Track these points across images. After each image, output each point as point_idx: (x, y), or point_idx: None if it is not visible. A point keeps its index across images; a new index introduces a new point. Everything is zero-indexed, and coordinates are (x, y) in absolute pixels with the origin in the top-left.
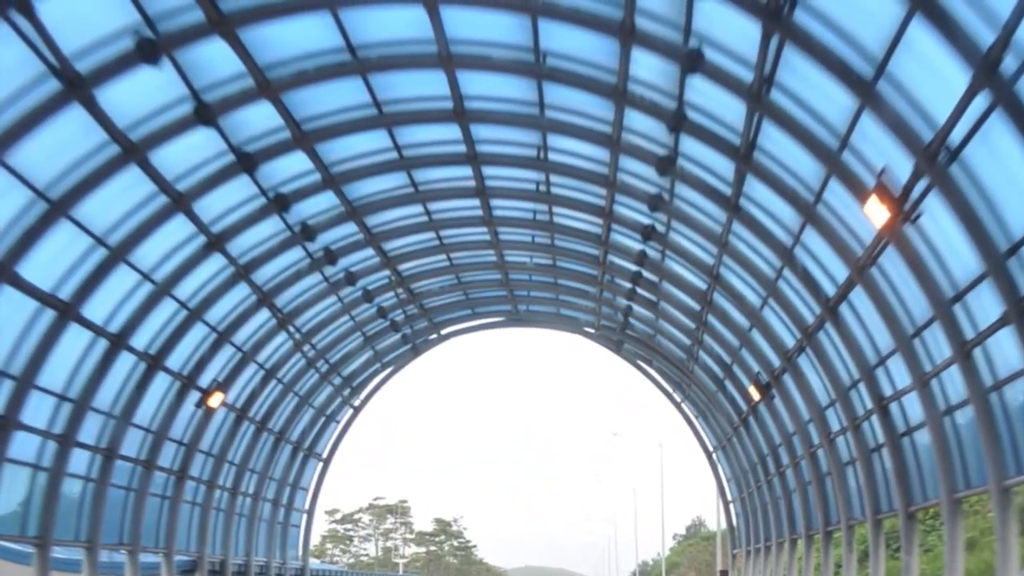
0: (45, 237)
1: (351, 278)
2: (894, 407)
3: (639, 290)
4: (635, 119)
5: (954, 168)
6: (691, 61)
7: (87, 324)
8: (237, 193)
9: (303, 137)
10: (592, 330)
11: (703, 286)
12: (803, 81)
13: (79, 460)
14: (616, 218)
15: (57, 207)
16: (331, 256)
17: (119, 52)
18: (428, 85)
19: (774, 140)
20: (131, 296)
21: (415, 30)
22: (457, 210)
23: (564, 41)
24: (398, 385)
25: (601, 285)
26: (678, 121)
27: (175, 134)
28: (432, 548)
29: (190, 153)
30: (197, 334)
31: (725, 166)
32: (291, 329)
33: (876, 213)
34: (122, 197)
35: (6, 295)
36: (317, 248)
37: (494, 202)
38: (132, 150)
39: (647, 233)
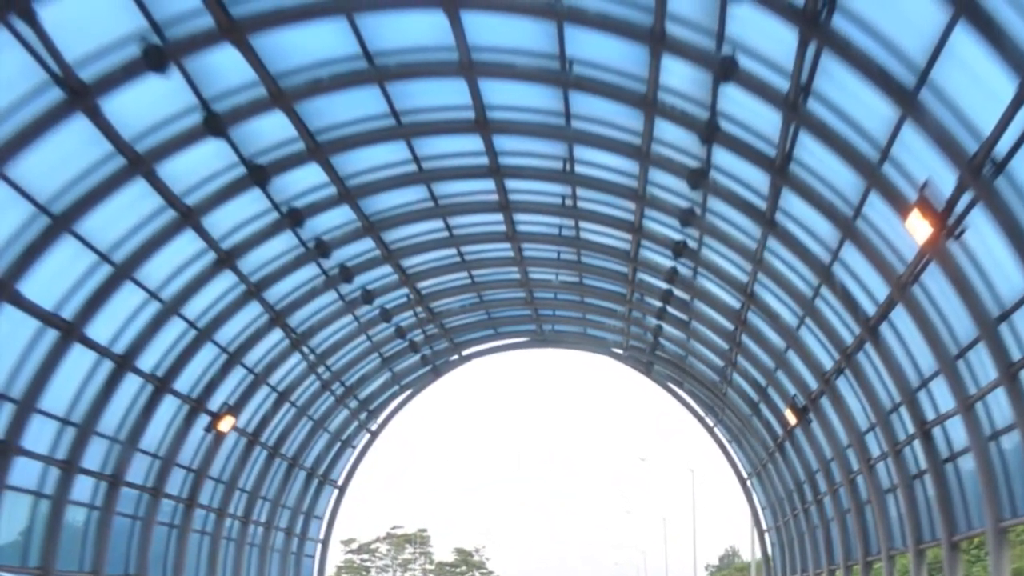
0: (47, 254)
1: (368, 296)
2: (937, 432)
3: (670, 309)
4: (666, 130)
5: (1000, 181)
6: (724, 69)
7: (91, 345)
8: (248, 207)
9: (318, 149)
10: (620, 351)
11: (737, 305)
12: (841, 90)
13: (83, 487)
14: (646, 233)
15: (60, 222)
16: (347, 273)
17: (125, 59)
18: (449, 94)
19: (811, 152)
20: (137, 315)
21: (435, 36)
22: (479, 225)
23: (591, 48)
24: (417, 409)
25: (630, 304)
26: (711, 132)
27: (183, 145)
28: None
29: (199, 165)
30: (207, 355)
31: (760, 179)
32: (305, 350)
33: (918, 228)
34: (128, 211)
35: (6, 314)
36: (332, 265)
37: (518, 217)
38: (138, 162)
39: (678, 249)
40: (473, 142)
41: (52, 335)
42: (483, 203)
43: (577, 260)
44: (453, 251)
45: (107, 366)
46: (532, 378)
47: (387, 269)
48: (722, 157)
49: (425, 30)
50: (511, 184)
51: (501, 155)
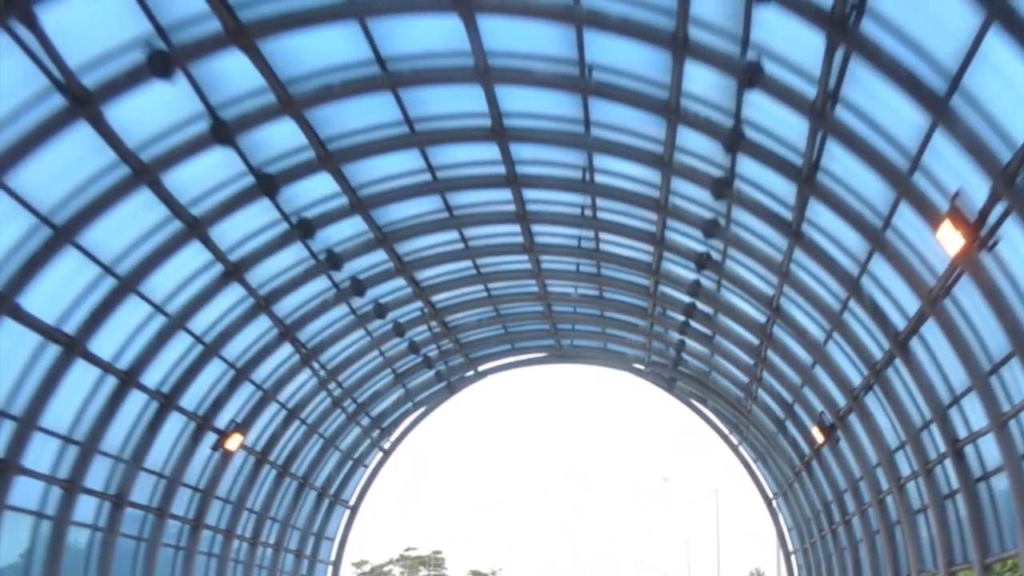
0: (49, 266)
1: (381, 310)
2: (969, 450)
3: (693, 323)
4: (688, 138)
5: None
6: (749, 75)
7: (94, 360)
8: (257, 218)
9: (328, 157)
10: (642, 367)
11: (762, 319)
12: (870, 97)
13: (86, 507)
14: (668, 245)
15: (62, 233)
16: (359, 286)
17: (129, 65)
18: (464, 101)
19: (839, 160)
20: (142, 330)
21: (450, 41)
22: (496, 236)
23: (612, 53)
24: (431, 426)
25: (652, 318)
26: (735, 140)
27: (190, 154)
28: None
29: (206, 175)
30: (214, 371)
31: (786, 189)
32: (316, 366)
33: (949, 239)
34: (132, 222)
35: (7, 329)
36: (344, 278)
37: (536, 228)
38: (143, 171)
39: (701, 261)
40: (489, 150)
41: (54, 350)
42: (500, 214)
43: (597, 273)
44: (469, 263)
45: (111, 382)
46: (550, 395)
47: (400, 282)
48: (747, 166)
49: (440, 34)
50: (529, 194)
51: (518, 164)
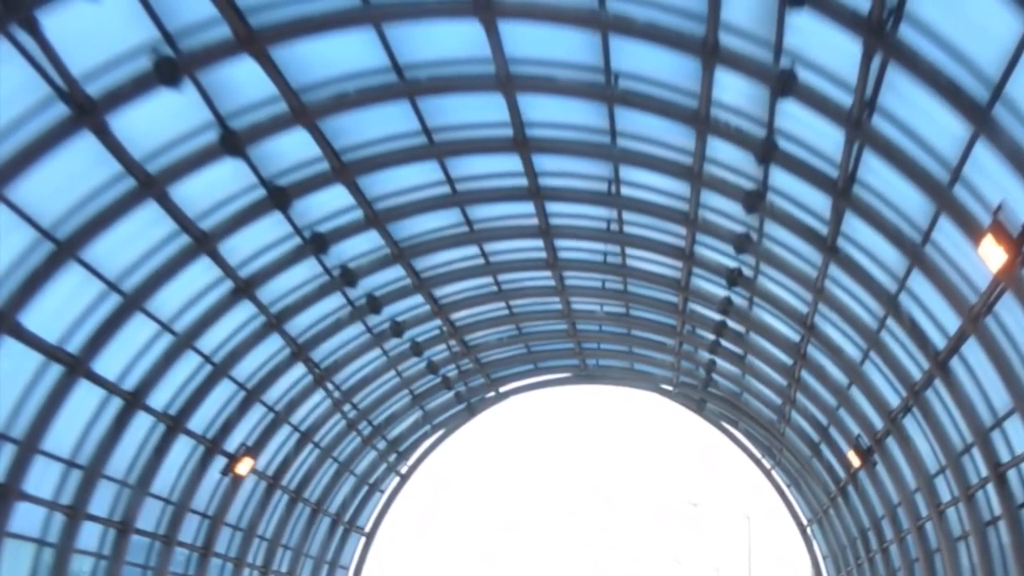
0: (51, 282)
1: (397, 329)
2: (1012, 474)
3: (723, 342)
4: (719, 149)
5: None
6: (782, 83)
7: (99, 381)
8: (268, 232)
9: (343, 169)
10: (670, 388)
11: (796, 338)
12: (909, 106)
13: (90, 534)
14: (697, 261)
15: (65, 248)
16: (375, 304)
17: (135, 73)
18: (485, 110)
19: (876, 172)
20: (148, 349)
21: (470, 48)
22: (518, 252)
23: (639, 60)
24: (450, 450)
25: (680, 337)
26: (768, 151)
27: (198, 165)
28: None
29: (215, 187)
30: (223, 392)
31: (821, 202)
32: (329, 386)
33: (992, 255)
34: (138, 237)
35: (7, 348)
36: (359, 295)
37: (559, 243)
38: (150, 184)
39: (733, 278)
40: (511, 162)
41: (56, 370)
42: (522, 228)
43: (623, 289)
44: (490, 279)
45: (116, 404)
46: (574, 418)
47: (418, 299)
48: (780, 178)
49: (459, 41)
50: (552, 207)
51: (541, 176)
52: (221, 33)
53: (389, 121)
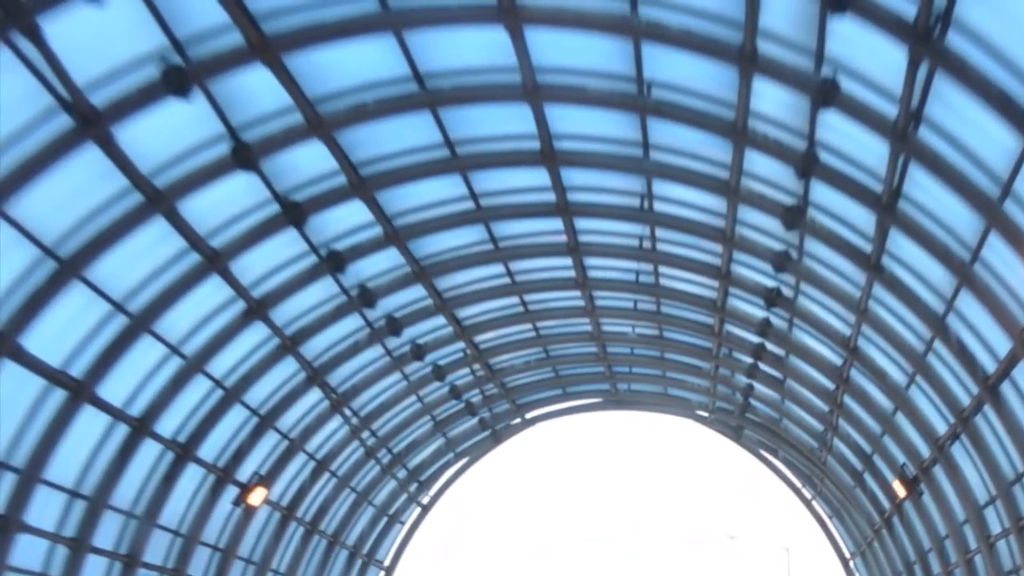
0: (54, 303)
1: (418, 352)
2: None
3: (762, 366)
4: (757, 162)
5: None
6: (824, 93)
7: (104, 407)
8: (283, 250)
9: (361, 184)
10: (706, 414)
11: (838, 361)
12: (957, 117)
13: (94, 568)
14: (735, 280)
15: (68, 267)
16: (395, 326)
17: (142, 82)
18: (511, 122)
19: (922, 187)
20: (156, 373)
21: (495, 56)
22: (545, 271)
23: (673, 69)
24: (474, 479)
25: (717, 360)
26: (808, 164)
27: (209, 180)
28: None
29: (227, 203)
30: (235, 419)
31: (864, 218)
32: (347, 412)
33: None
34: (146, 255)
35: (8, 372)
36: (378, 316)
37: (589, 261)
38: (157, 199)
39: (771, 298)
40: (538, 176)
41: (59, 395)
42: (549, 245)
43: (656, 310)
44: (515, 300)
45: (122, 431)
46: (604, 445)
47: (440, 320)
48: (821, 193)
49: (484, 48)
50: (581, 224)
51: (570, 191)
52: (233, 40)
53: (410, 133)
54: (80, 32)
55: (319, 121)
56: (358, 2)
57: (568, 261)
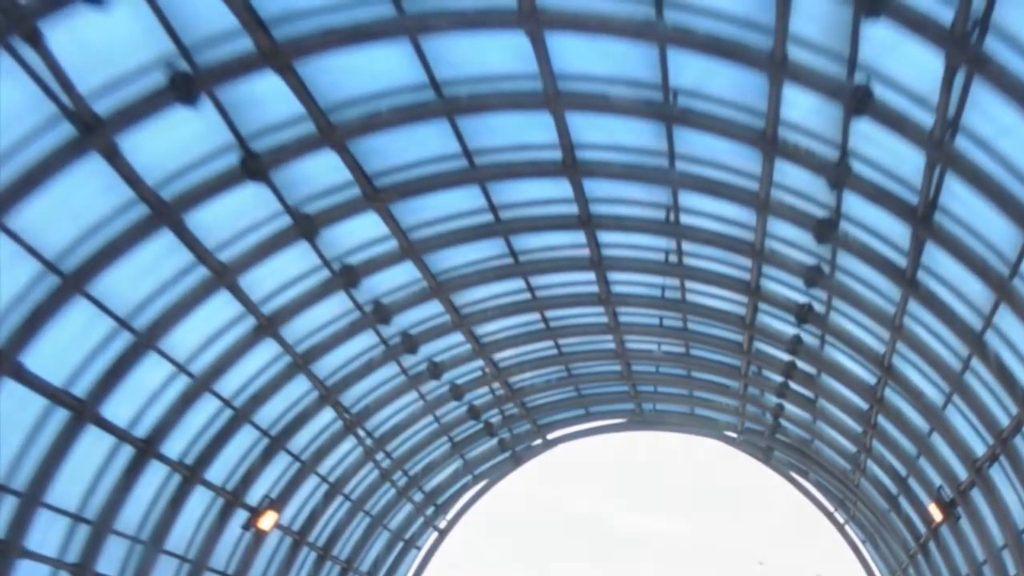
0: (56, 319)
1: (435, 370)
2: None
3: (792, 385)
4: (788, 172)
5: None
6: (857, 100)
7: (108, 427)
8: (294, 264)
9: (375, 195)
10: (734, 434)
11: (872, 380)
12: (996, 125)
13: None
14: (764, 295)
15: (71, 282)
16: (411, 343)
17: (148, 90)
18: (531, 131)
19: (960, 198)
20: (163, 393)
21: (515, 63)
22: (567, 285)
23: (700, 76)
24: (492, 502)
25: (745, 379)
26: (841, 175)
27: (217, 191)
28: None
29: (236, 215)
30: (244, 440)
31: (899, 231)
32: (361, 433)
33: None
34: (151, 270)
35: (8, 391)
36: (393, 333)
37: (613, 276)
38: (164, 211)
39: (802, 314)
40: (560, 187)
41: (62, 415)
42: (572, 259)
43: (683, 327)
44: (536, 316)
45: (127, 452)
46: (628, 467)
47: (458, 338)
48: (854, 205)
49: (503, 55)
50: (605, 237)
51: (593, 203)
52: (242, 46)
53: (426, 143)
54: (83, 38)
55: (332, 130)
56: (372, 6)
57: (591, 276)
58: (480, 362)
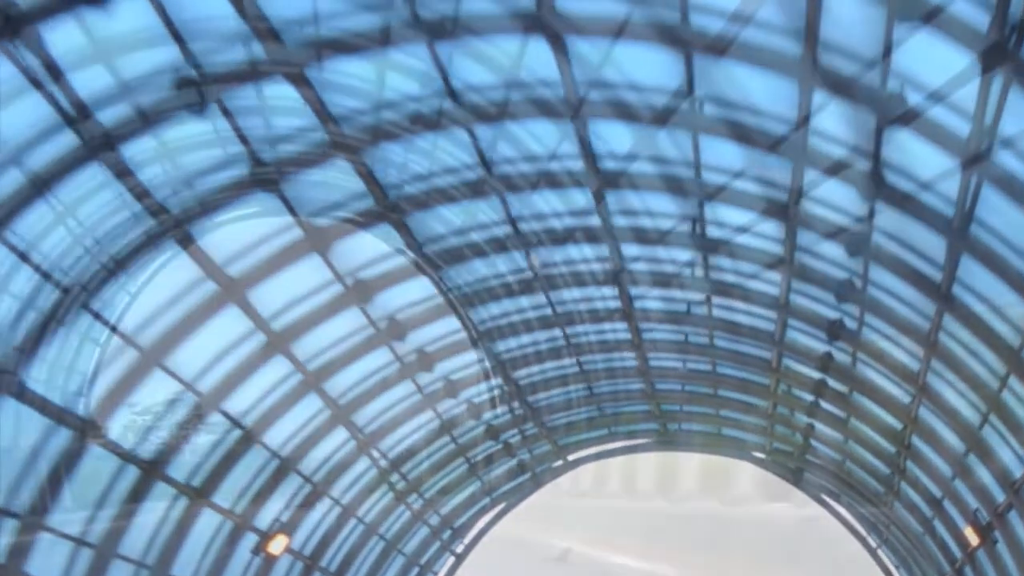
0: (57, 334)
1: (452, 389)
2: None
3: (823, 403)
4: (818, 183)
5: None
6: (890, 108)
7: (111, 447)
8: (306, 278)
9: (391, 207)
10: (763, 455)
11: (906, 399)
12: None
13: None
14: (793, 311)
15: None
16: (426, 360)
17: (154, 98)
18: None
19: (996, 210)
20: (169, 411)
21: (535, 69)
22: (588, 301)
23: (726, 83)
24: (512, 526)
25: (774, 398)
26: (873, 185)
27: (226, 203)
28: None
29: (245, 227)
30: (254, 461)
31: (934, 243)
32: (375, 454)
33: None
34: (156, 283)
35: (8, 409)
36: (407, 348)
37: (635, 291)
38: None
39: (834, 330)
40: (580, 198)
41: (63, 436)
42: (592, 274)
43: (709, 344)
44: (557, 332)
45: (132, 473)
46: (652, 488)
47: (475, 355)
48: (887, 216)
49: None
50: (627, 250)
51: (614, 214)
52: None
53: (444, 151)
54: (85, 42)
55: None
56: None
57: (613, 291)
58: (499, 380)
